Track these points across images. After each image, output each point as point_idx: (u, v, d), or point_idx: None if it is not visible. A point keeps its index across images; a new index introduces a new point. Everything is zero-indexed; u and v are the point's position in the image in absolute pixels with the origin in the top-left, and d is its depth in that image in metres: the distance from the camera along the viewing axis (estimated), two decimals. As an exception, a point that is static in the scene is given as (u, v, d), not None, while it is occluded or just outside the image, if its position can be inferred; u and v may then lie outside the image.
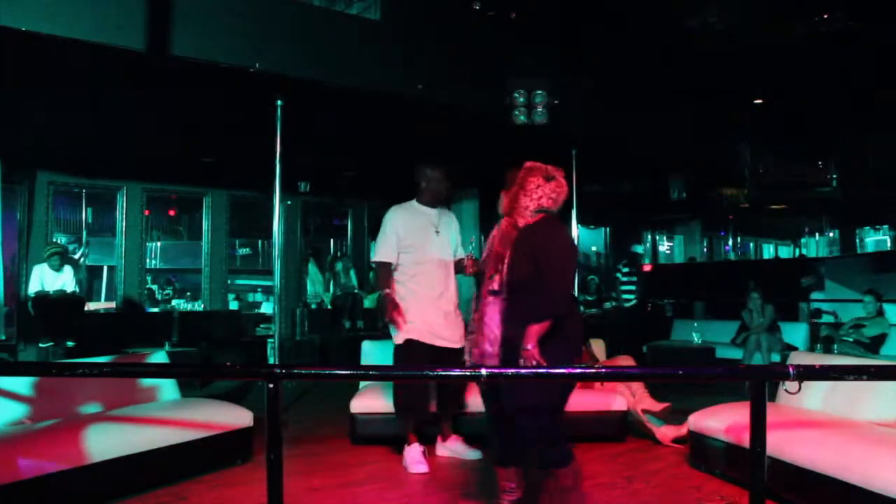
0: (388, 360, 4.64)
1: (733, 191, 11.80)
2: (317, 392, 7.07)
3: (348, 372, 2.99)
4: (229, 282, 11.14)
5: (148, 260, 11.62)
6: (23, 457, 3.31)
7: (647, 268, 13.44)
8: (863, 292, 8.03)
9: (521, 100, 6.70)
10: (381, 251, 4.33)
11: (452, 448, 4.53)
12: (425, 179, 4.40)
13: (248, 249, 16.05)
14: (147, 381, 4.46)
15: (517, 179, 3.06)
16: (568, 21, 6.88)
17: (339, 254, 12.04)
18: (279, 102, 6.10)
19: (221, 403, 4.54)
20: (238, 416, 4.38)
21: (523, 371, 2.70)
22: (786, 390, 4.09)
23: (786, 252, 21.29)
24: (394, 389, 4.39)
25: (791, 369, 2.16)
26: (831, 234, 17.98)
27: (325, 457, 4.58)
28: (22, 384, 3.89)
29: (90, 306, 10.57)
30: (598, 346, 5.67)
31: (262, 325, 10.33)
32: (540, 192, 2.99)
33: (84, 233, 11.76)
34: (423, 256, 4.29)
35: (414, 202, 4.44)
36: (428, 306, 4.27)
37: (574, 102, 7.20)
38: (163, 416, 4.10)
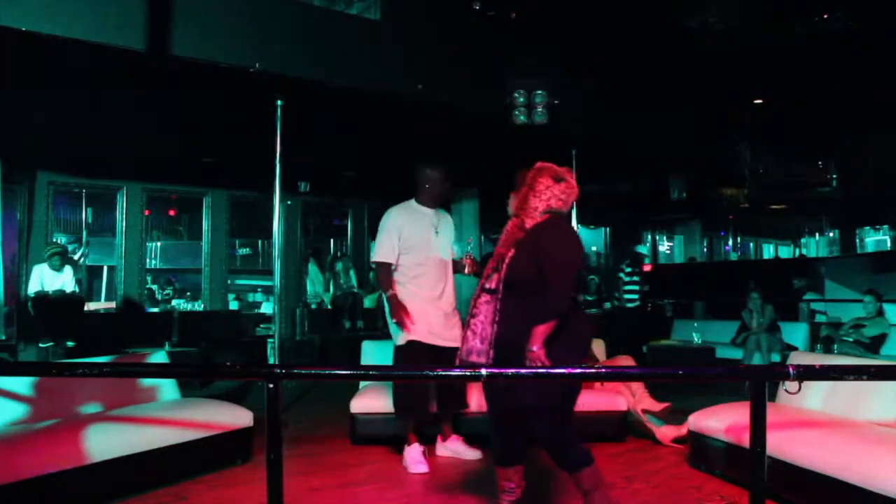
0: (387, 360, 4.64)
1: (733, 191, 11.80)
2: (317, 392, 7.07)
3: (348, 372, 2.99)
4: (229, 282, 11.15)
5: (148, 260, 11.64)
6: (23, 457, 3.31)
7: (647, 268, 13.44)
8: (863, 292, 8.03)
9: (521, 100, 6.70)
10: (382, 251, 4.30)
11: (452, 448, 4.52)
12: (425, 180, 4.38)
13: (248, 249, 16.06)
14: (147, 381, 4.46)
15: (527, 180, 3.04)
16: (568, 21, 6.88)
17: (339, 254, 12.05)
18: (279, 102, 6.10)
19: (221, 403, 4.54)
20: (238, 416, 4.38)
21: (523, 371, 2.69)
22: (786, 390, 4.09)
23: (786, 252, 21.30)
24: (394, 389, 4.39)
25: (791, 369, 2.16)
26: (831, 234, 18.01)
27: (325, 457, 4.58)
28: (22, 384, 3.89)
29: (90, 306, 10.58)
30: (598, 347, 5.67)
31: (262, 325, 10.34)
32: (549, 192, 2.98)
33: (84, 233, 11.76)
34: (424, 257, 4.29)
35: (413, 202, 4.43)
36: (429, 307, 4.27)
37: (574, 102, 7.20)
38: (163, 416, 4.10)
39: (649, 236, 17.23)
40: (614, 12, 6.80)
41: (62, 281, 8.09)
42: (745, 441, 2.69)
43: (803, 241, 20.10)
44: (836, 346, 7.69)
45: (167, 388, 4.58)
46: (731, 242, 18.52)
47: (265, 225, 9.04)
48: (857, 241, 17.13)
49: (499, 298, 2.95)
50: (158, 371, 4.57)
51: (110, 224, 10.35)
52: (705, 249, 17.04)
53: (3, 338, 8.14)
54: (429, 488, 3.92)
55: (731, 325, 8.66)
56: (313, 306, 10.84)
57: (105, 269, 13.71)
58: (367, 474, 4.20)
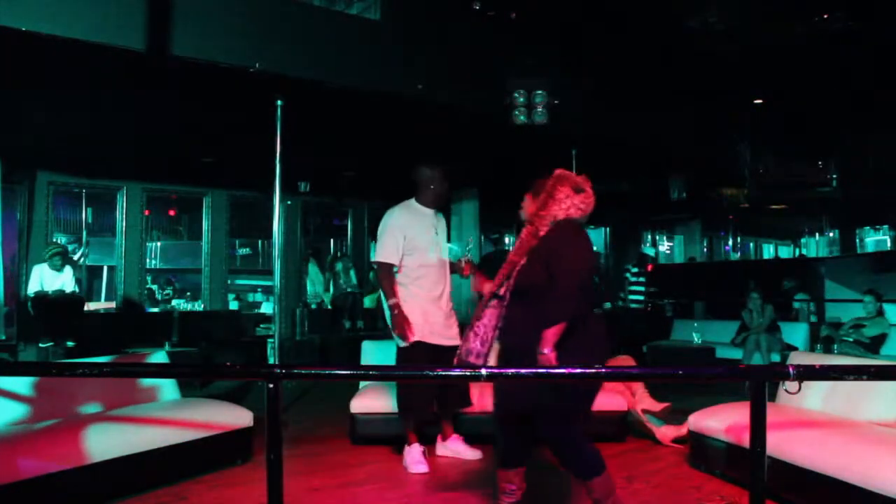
0: (388, 359, 4.64)
1: (733, 191, 11.79)
2: (317, 392, 7.07)
3: (348, 372, 2.98)
4: (229, 282, 11.15)
5: (148, 260, 11.63)
6: (23, 457, 3.31)
7: (648, 268, 13.44)
8: (863, 292, 8.03)
9: (521, 100, 6.70)
10: (385, 252, 4.26)
11: (453, 448, 4.53)
12: (425, 180, 4.38)
13: (248, 249, 16.06)
14: (147, 381, 4.46)
15: (546, 187, 3.03)
16: (568, 21, 6.88)
17: (339, 254, 12.06)
18: (279, 102, 6.10)
19: (221, 403, 4.54)
20: (238, 416, 4.38)
21: (523, 371, 2.69)
22: (786, 390, 4.09)
23: (786, 252, 21.30)
24: (398, 390, 4.39)
25: (791, 369, 2.16)
26: (831, 234, 18.00)
27: (325, 457, 4.58)
28: (22, 384, 3.89)
29: (90, 306, 10.58)
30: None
31: (262, 325, 10.34)
32: (569, 202, 2.97)
33: (84, 233, 11.75)
34: (427, 258, 4.29)
35: (413, 202, 4.42)
36: (430, 307, 4.28)
37: (574, 102, 7.20)
38: (163, 416, 4.10)
39: (649, 236, 17.22)
40: (614, 12, 6.80)
41: (62, 281, 8.08)
42: (745, 441, 2.69)
43: (803, 241, 20.10)
44: (836, 346, 7.69)
45: (167, 388, 4.58)
46: (731, 242, 18.52)
47: (265, 225, 9.04)
48: (857, 241, 17.13)
49: (504, 305, 2.95)
50: (158, 371, 4.57)
51: (110, 224, 10.35)
52: (705, 249, 17.03)
53: (3, 338, 8.14)
54: (429, 488, 3.92)
55: (731, 325, 8.66)
56: (313, 306, 10.84)
57: (105, 269, 13.71)
58: (367, 474, 4.20)
